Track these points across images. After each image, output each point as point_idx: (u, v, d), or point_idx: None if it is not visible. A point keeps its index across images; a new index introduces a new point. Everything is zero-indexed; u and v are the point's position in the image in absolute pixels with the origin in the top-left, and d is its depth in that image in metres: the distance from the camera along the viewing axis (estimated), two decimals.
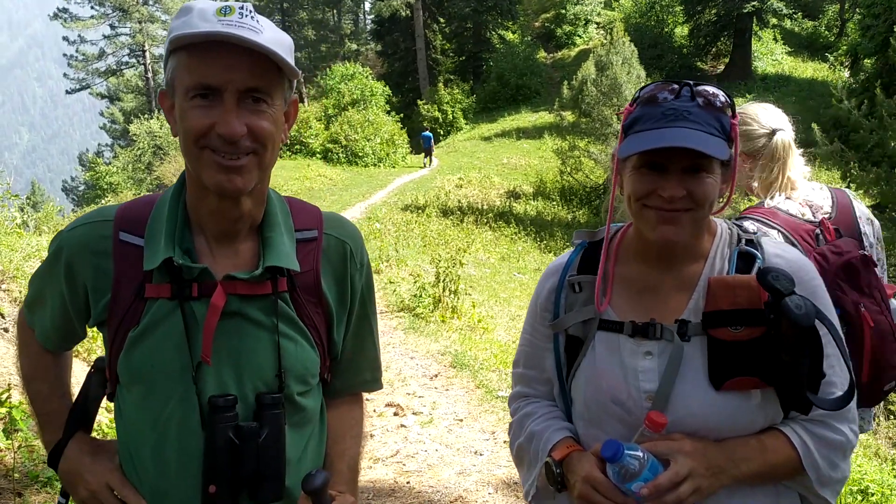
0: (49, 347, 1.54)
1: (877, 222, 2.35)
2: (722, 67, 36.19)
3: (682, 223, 1.37)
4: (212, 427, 1.32)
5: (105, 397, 1.50)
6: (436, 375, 6.59)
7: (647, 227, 1.40)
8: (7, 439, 3.75)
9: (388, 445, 4.96)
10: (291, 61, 1.29)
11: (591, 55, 25.69)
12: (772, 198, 2.32)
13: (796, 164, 2.33)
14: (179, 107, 1.28)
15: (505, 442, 4.90)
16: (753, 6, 32.49)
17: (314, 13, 54.84)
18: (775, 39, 37.16)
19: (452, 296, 9.41)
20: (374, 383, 1.65)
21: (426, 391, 6.15)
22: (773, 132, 2.33)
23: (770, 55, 36.27)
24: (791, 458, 1.37)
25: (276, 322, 1.37)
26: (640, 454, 1.30)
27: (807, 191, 2.34)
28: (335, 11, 56.94)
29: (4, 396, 4.03)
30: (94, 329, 1.51)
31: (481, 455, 4.75)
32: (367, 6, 58.17)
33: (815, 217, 2.26)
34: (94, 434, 1.59)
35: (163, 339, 1.33)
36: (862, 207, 2.35)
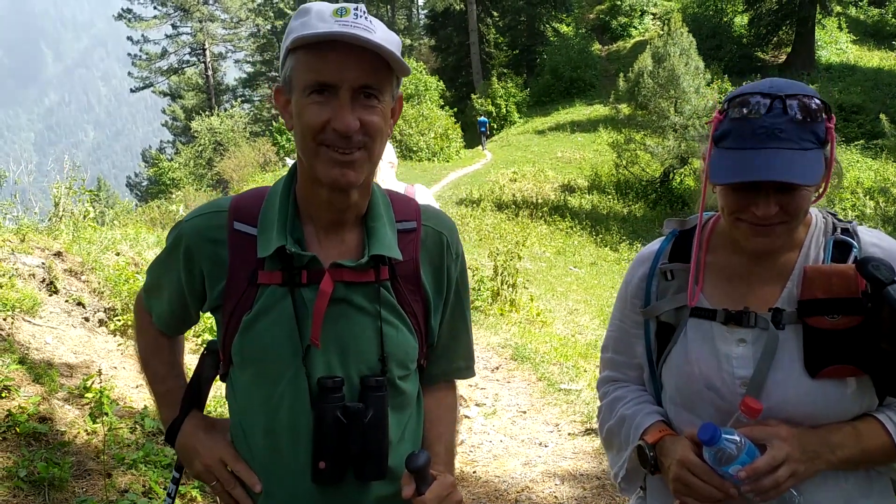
0: (164, 331, 1.64)
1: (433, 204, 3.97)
2: (784, 57, 35.19)
3: (777, 235, 1.39)
4: (321, 406, 1.39)
5: (217, 378, 1.59)
6: (497, 368, 6.64)
7: (741, 237, 1.43)
8: (94, 423, 3.94)
9: None
10: (400, 58, 1.36)
11: (648, 47, 25.32)
12: None
13: (386, 177, 4.29)
14: (296, 103, 1.36)
15: (570, 434, 4.93)
16: None
17: (368, 9, 54.74)
18: (840, 28, 35.93)
19: (511, 289, 9.44)
20: (468, 371, 1.70)
21: (488, 383, 6.21)
22: None
23: (834, 44, 35.09)
24: (886, 445, 1.38)
25: (378, 309, 1.44)
26: (738, 438, 1.32)
27: (391, 184, 4.19)
28: (389, 7, 57.32)
29: (91, 383, 4.23)
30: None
31: (546, 447, 4.78)
32: (421, 1, 58.40)
33: None
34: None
35: (274, 324, 1.41)
36: (422, 196, 4.24)
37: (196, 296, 1.51)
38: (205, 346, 1.62)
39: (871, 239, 1.46)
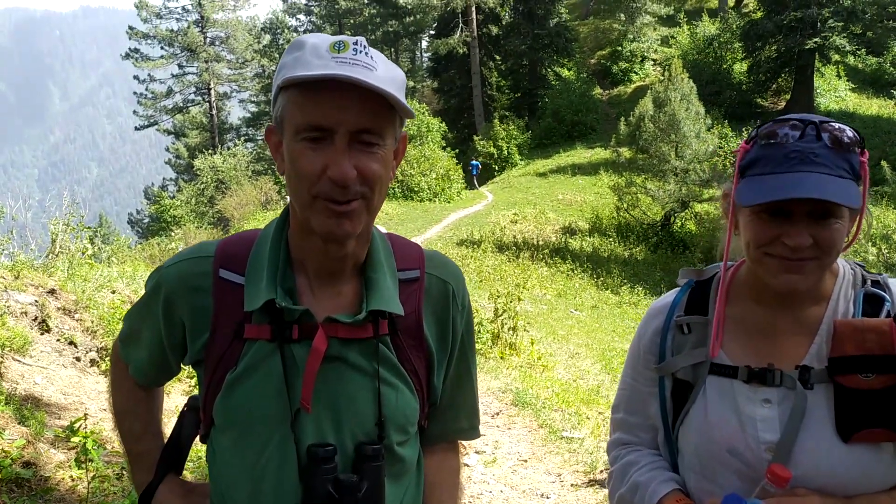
0: (142, 383, 1.51)
1: None
2: (783, 104, 35.53)
3: (808, 271, 1.28)
4: (310, 479, 1.25)
5: (198, 438, 1.46)
6: (497, 413, 6.48)
7: (769, 275, 1.32)
8: (80, 469, 3.79)
9: None
10: (404, 97, 1.24)
11: (649, 91, 25.56)
12: None
13: None
14: (288, 146, 1.23)
15: (573, 485, 4.77)
16: (815, 43, 31.89)
17: None
18: (838, 76, 36.34)
19: (511, 332, 9.31)
20: (472, 431, 1.56)
21: (488, 429, 6.04)
22: None
23: (833, 91, 35.47)
24: None
25: (377, 367, 1.31)
26: None
27: None
28: (393, 50, 58.10)
29: (78, 426, 4.09)
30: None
31: (548, 498, 4.62)
32: (424, 44, 59.23)
33: None
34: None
35: (261, 383, 1.27)
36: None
37: (176, 348, 1.39)
38: (186, 402, 1.50)
39: None
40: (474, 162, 36.26)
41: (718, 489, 1.33)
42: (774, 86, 36.40)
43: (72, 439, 4.12)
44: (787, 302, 1.38)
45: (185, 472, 1.55)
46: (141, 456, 1.50)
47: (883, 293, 1.35)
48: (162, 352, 1.41)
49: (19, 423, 4.17)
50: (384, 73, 1.20)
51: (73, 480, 3.79)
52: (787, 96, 35.58)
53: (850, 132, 1.29)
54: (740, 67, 37.29)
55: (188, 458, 1.54)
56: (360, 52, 1.19)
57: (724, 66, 37.70)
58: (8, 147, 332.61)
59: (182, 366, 1.47)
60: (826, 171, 1.24)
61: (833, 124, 1.29)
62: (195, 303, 1.33)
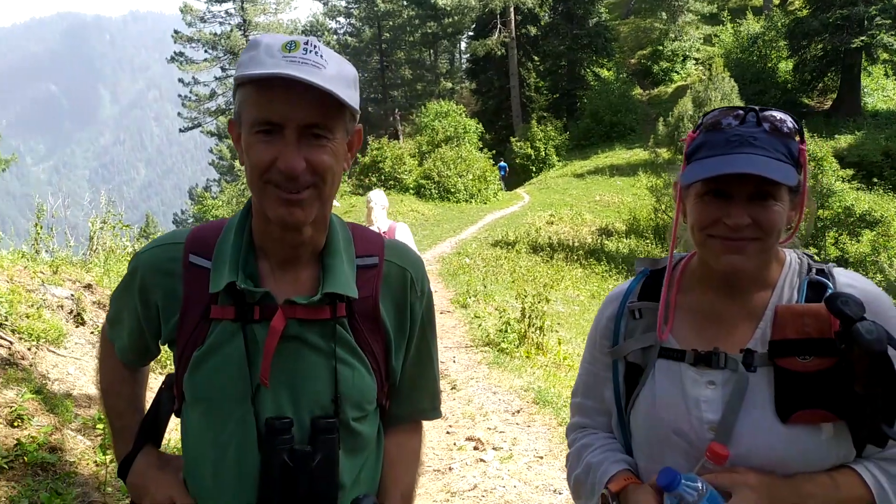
0: (126, 362, 1.62)
1: (409, 238, 5.76)
2: (829, 103, 34.73)
3: (749, 252, 1.33)
4: (268, 449, 1.34)
5: (173, 413, 1.56)
6: (518, 411, 6.51)
7: (712, 256, 1.37)
8: (104, 455, 3.95)
9: (466, 479, 4.92)
10: (355, 94, 1.32)
11: (689, 91, 25.25)
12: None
13: (377, 216, 5.92)
14: (245, 139, 1.33)
15: None
16: (862, 41, 31.11)
17: (411, 53, 56.40)
18: (886, 75, 35.41)
19: (538, 332, 9.31)
20: (433, 412, 1.64)
21: (507, 426, 6.08)
22: (369, 200, 6.10)
23: (881, 91, 34.54)
24: (863, 498, 1.30)
25: (333, 347, 1.39)
26: (699, 485, 1.25)
27: (381, 222, 5.93)
28: (431, 51, 58.35)
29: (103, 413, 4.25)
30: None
31: (560, 494, 4.64)
32: (463, 46, 59.36)
33: (382, 231, 4.98)
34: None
35: (225, 361, 1.37)
36: (402, 232, 5.67)
37: (153, 328, 1.49)
38: (164, 379, 1.59)
39: (847, 280, 1.39)
40: (502, 164, 36.30)
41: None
42: (821, 85, 35.56)
43: (97, 426, 4.29)
44: (734, 288, 1.42)
45: (170, 448, 1.64)
46: (123, 430, 1.61)
47: (826, 281, 1.38)
48: (141, 333, 1.52)
49: (49, 412, 4.34)
50: (333, 72, 1.28)
51: (96, 466, 3.94)
52: (834, 95, 34.78)
53: (789, 122, 1.35)
54: (785, 66, 36.51)
55: (172, 436, 1.63)
56: (311, 51, 1.28)
57: (769, 65, 36.95)
58: (60, 149, 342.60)
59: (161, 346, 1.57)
60: (764, 152, 1.30)
61: (774, 113, 1.35)
62: (167, 286, 1.43)
